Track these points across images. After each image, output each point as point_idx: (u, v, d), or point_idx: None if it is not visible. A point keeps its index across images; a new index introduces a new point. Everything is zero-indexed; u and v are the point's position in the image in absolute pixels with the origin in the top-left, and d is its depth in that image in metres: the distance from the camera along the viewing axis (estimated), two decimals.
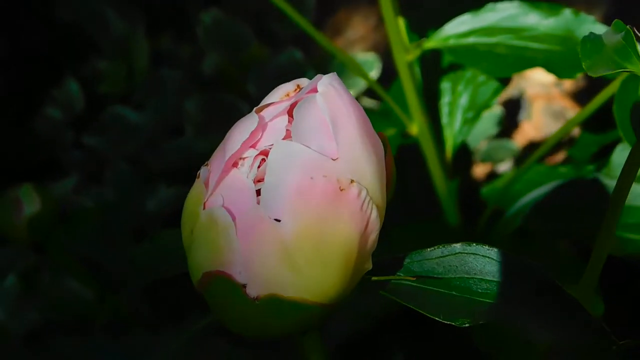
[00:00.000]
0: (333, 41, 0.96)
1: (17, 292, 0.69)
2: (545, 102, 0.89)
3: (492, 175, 0.84)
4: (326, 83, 0.26)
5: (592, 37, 0.31)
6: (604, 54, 0.30)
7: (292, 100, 0.27)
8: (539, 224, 0.51)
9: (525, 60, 0.48)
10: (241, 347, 0.42)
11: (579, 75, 0.91)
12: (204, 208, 0.27)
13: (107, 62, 0.88)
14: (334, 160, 0.26)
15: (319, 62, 0.87)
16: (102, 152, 0.84)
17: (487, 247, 0.29)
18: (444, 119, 0.56)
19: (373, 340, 0.58)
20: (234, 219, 0.26)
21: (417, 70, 0.56)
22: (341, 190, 0.26)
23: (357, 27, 0.95)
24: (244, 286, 0.27)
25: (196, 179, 0.28)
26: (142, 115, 0.84)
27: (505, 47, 0.49)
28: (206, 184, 0.27)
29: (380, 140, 0.28)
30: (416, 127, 0.53)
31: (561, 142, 0.83)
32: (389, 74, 0.77)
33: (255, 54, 0.88)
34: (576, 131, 0.84)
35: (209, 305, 0.28)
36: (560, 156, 0.80)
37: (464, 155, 0.58)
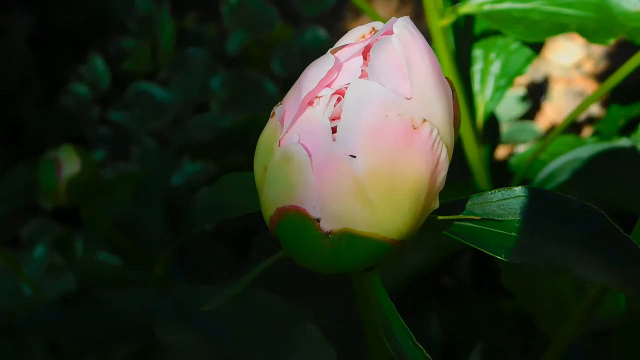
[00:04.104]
0: (354, 23, 0.97)
1: (47, 261, 0.70)
2: (565, 84, 0.90)
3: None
4: (401, 25, 0.27)
5: None
6: None
7: (367, 42, 0.28)
8: (576, 192, 0.51)
9: (559, 25, 0.49)
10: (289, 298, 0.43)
11: (599, 58, 0.92)
12: (279, 145, 0.28)
13: (132, 40, 0.89)
14: (408, 99, 0.27)
15: None
16: (127, 128, 0.84)
17: (547, 190, 0.30)
18: (476, 86, 0.56)
19: (406, 297, 0.59)
20: (309, 155, 0.27)
21: (449, 37, 0.57)
22: (414, 128, 0.27)
23: (379, 9, 0.96)
24: (318, 220, 0.28)
25: (270, 118, 0.29)
26: (167, 92, 0.85)
27: (540, 12, 0.49)
28: (281, 122, 0.28)
29: (448, 84, 0.29)
30: None
31: (583, 122, 0.84)
32: None
33: (279, 33, 0.89)
34: (597, 110, 0.85)
35: (281, 242, 0.29)
36: (586, 133, 0.81)
37: (494, 125, 0.59)
